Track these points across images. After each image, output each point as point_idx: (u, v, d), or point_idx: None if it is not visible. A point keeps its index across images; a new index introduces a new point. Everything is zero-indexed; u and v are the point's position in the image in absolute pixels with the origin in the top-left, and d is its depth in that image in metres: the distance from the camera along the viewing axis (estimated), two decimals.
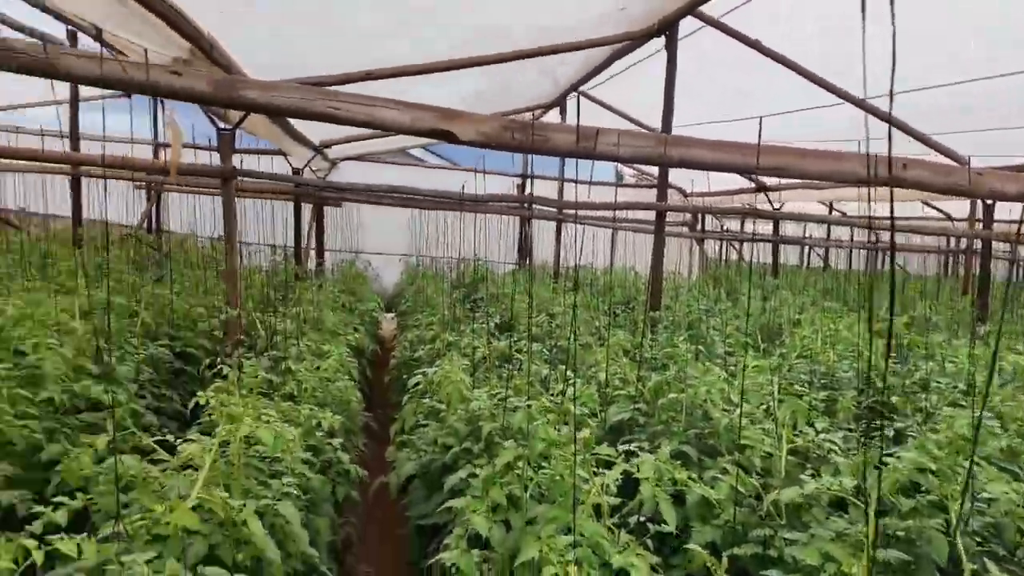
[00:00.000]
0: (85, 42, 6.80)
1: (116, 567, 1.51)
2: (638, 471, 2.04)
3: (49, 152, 5.79)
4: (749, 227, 13.23)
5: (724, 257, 13.90)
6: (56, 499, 1.83)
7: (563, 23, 5.12)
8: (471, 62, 5.11)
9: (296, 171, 9.23)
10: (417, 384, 3.48)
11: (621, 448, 2.20)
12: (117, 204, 10.02)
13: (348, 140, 8.86)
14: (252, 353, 3.97)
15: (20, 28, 5.87)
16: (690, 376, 3.13)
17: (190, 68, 1.91)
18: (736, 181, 10.38)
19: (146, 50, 1.94)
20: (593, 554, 1.67)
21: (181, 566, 1.63)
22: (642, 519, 1.99)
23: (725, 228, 12.98)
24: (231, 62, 3.98)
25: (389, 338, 7.97)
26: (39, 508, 1.78)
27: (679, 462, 2.20)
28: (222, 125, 4.62)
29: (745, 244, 12.02)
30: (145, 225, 9.65)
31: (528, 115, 9.06)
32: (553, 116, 9.05)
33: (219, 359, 3.79)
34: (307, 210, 10.16)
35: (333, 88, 2.18)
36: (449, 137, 2.22)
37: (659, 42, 5.18)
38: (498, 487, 2.04)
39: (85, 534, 1.67)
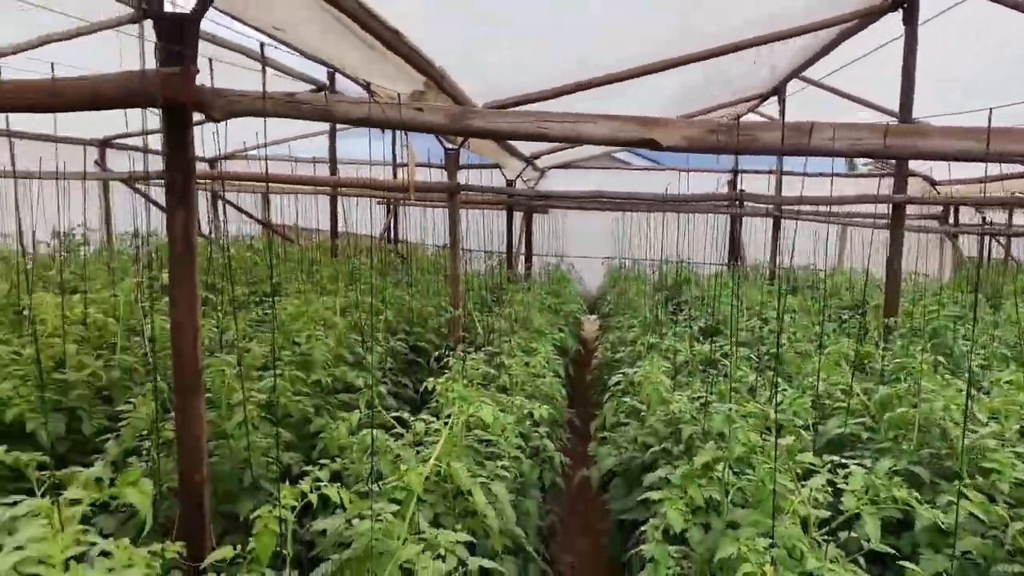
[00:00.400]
0: (342, 82, 8.04)
1: (368, 514, 1.85)
2: (845, 483, 1.92)
3: (316, 177, 6.98)
4: (1020, 219, 11.06)
5: (985, 255, 11.79)
6: (320, 461, 2.26)
7: (780, 6, 4.85)
8: (682, 61, 5.08)
9: (509, 182, 9.89)
10: (618, 384, 3.58)
11: (828, 459, 2.08)
12: (364, 218, 11.61)
13: (555, 150, 9.26)
14: (472, 348, 4.40)
15: (289, 72, 7.15)
16: (925, 390, 2.80)
17: (430, 104, 2.24)
18: (1003, 165, 8.77)
19: (399, 94, 2.31)
20: (790, 557, 1.62)
21: (418, 521, 1.94)
22: (853, 534, 1.87)
23: (987, 221, 11.01)
24: (458, 89, 4.45)
25: (591, 339, 8.17)
26: (307, 468, 2.22)
27: (902, 480, 2.01)
28: (449, 145, 5.17)
29: (1014, 240, 10.08)
30: (385, 236, 11.05)
31: (743, 107, 8.63)
32: (771, 106, 8.52)
33: (444, 353, 4.28)
34: (518, 217, 10.81)
35: (543, 109, 2.38)
36: (652, 145, 2.29)
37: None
38: (696, 487, 2.06)
39: (339, 485, 2.06)
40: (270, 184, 9.84)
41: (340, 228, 9.69)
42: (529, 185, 11.07)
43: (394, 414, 2.71)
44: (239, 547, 1.68)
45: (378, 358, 4.02)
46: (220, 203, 11.65)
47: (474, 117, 2.32)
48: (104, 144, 10.44)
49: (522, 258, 11.03)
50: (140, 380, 3.54)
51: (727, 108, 8.32)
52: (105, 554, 1.43)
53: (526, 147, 8.49)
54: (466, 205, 8.06)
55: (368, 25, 3.06)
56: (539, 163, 10.27)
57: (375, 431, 2.57)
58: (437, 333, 5.26)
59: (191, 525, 2.18)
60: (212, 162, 11.68)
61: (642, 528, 2.13)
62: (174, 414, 2.21)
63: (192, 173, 2.15)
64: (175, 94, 2.02)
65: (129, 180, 9.48)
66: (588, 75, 4.96)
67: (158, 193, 10.65)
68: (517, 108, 2.36)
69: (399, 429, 2.64)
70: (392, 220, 11.30)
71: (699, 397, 2.89)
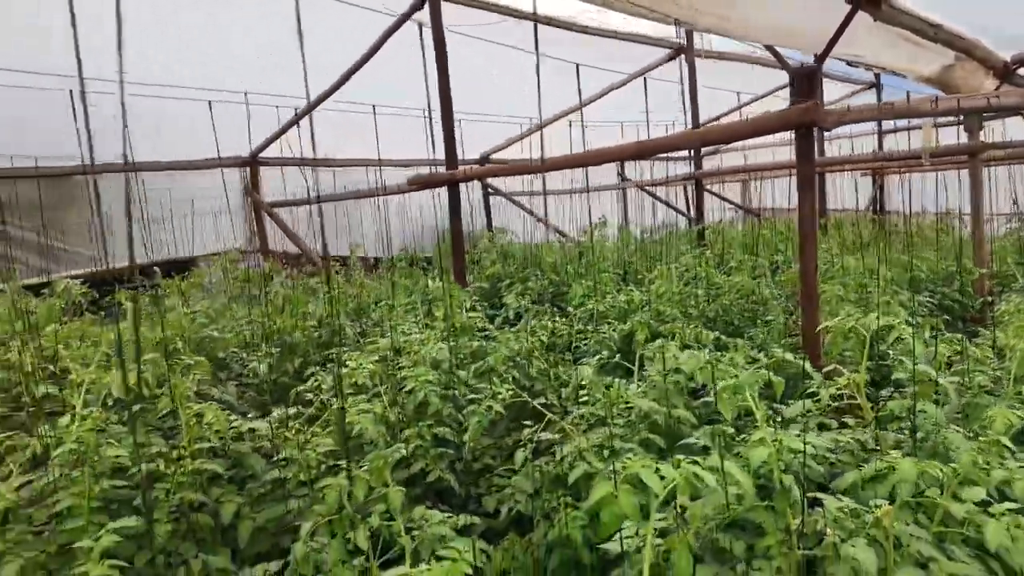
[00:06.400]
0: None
1: None
2: None
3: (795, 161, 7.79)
4: None
5: None
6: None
7: None
8: None
9: None
10: None
11: None
12: (846, 193, 11.72)
13: None
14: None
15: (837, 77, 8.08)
16: None
17: (1006, 89, 2.89)
18: None
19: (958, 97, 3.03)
20: None
21: None
22: None
23: None
24: (991, 53, 4.69)
25: None
26: None
27: None
28: None
29: None
30: (872, 208, 11.00)
31: None
32: None
33: (973, 307, 4.62)
34: None
35: None
36: None
37: None
38: None
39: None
40: (752, 172, 11.02)
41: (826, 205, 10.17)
42: None
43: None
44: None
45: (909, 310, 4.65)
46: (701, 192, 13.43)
47: None
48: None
49: None
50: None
51: None
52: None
53: None
54: (989, 163, 7.62)
55: (917, 30, 3.78)
56: None
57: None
58: (963, 293, 5.49)
59: None
60: (696, 163, 13.53)
61: None
62: (802, 322, 3.44)
63: (813, 170, 3.31)
64: (808, 119, 3.20)
65: (641, 186, 11.98)
66: None
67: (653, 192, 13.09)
68: None
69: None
70: (878, 191, 11.13)
71: None
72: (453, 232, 5.34)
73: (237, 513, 2.31)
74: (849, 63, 5.12)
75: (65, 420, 2.13)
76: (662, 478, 1.17)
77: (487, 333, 3.87)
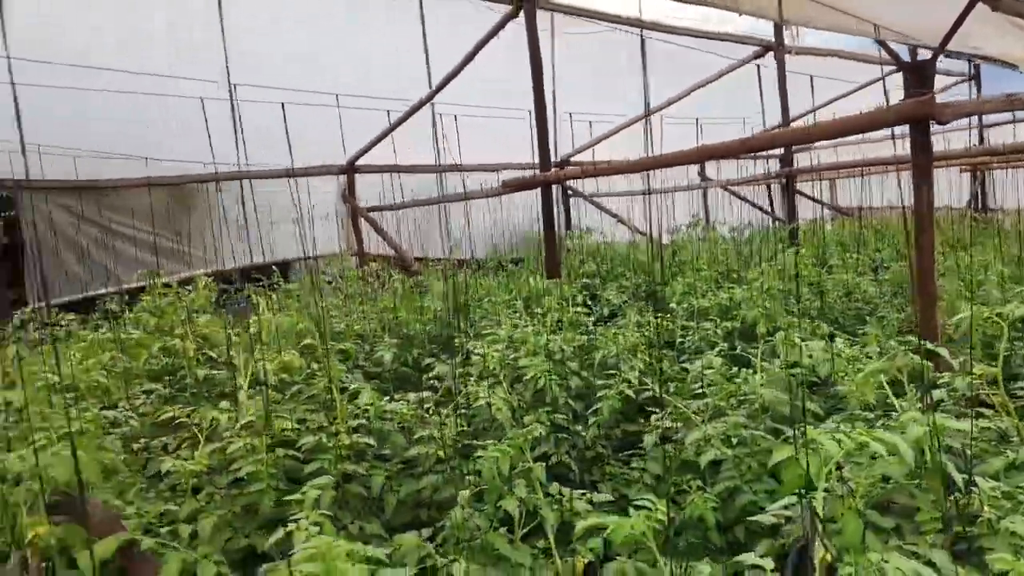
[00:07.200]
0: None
1: None
2: None
3: (881, 158, 7.52)
4: None
5: None
6: None
7: None
8: None
9: None
10: None
11: None
12: (942, 189, 11.15)
13: None
14: None
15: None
16: None
17: None
18: None
19: None
20: None
21: None
22: None
23: None
24: None
25: None
26: None
27: None
28: None
29: None
30: (973, 205, 10.45)
31: None
32: None
33: None
34: None
35: None
36: None
37: None
38: None
39: None
40: (848, 168, 10.65)
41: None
42: None
43: None
44: None
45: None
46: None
47: None
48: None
49: None
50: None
51: None
52: None
53: None
54: None
55: None
56: None
57: None
58: None
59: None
60: (786, 160, 13.19)
61: None
62: (919, 317, 3.40)
63: (930, 164, 3.27)
64: (923, 112, 3.16)
65: (725, 186, 11.81)
66: None
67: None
68: None
69: None
70: (980, 188, 10.56)
71: None
72: (546, 232, 5.50)
73: (383, 486, 2.53)
74: (946, 55, 4.93)
75: (242, 396, 2.40)
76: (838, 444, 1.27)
77: (587, 327, 4.01)
